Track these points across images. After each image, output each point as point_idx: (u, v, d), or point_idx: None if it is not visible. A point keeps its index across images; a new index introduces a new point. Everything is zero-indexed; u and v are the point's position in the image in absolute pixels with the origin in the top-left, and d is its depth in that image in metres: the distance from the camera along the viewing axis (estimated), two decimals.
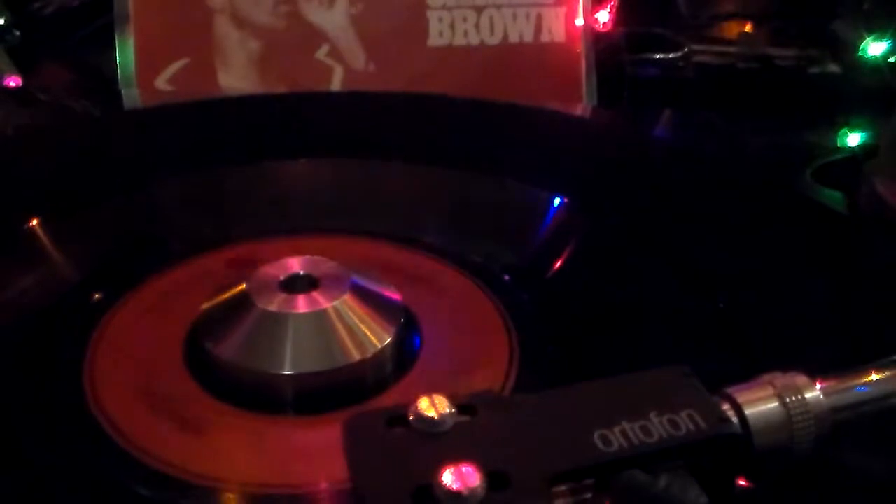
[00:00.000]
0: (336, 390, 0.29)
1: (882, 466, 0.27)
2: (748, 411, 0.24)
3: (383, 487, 0.21)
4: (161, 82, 0.63)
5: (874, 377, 0.26)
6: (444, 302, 0.36)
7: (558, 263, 0.40)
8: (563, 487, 0.22)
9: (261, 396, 0.29)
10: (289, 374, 0.29)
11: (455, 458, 0.21)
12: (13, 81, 0.64)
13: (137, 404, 0.29)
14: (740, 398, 0.24)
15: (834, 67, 0.74)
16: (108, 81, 0.64)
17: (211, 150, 0.47)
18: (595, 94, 0.64)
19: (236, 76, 0.64)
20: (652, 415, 0.22)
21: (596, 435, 0.22)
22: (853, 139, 0.66)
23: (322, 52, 0.64)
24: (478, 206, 0.43)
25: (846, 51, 0.73)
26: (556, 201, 0.43)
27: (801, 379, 0.25)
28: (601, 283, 0.38)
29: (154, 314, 0.34)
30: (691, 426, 0.22)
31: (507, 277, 0.38)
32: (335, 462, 0.26)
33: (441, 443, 0.21)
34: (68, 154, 0.47)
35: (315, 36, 0.64)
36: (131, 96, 0.63)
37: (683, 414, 0.23)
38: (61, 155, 0.46)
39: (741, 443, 0.23)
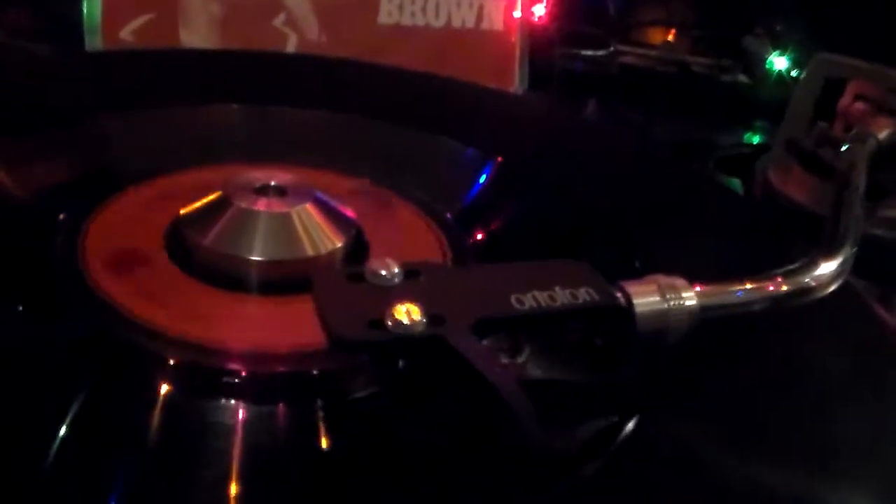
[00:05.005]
0: (294, 279, 0.34)
1: None
2: (636, 301, 0.30)
3: (345, 319, 0.26)
4: (125, 34, 0.67)
5: (740, 288, 0.32)
6: (393, 226, 0.41)
7: (491, 213, 0.45)
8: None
9: (229, 277, 0.35)
10: (255, 260, 0.34)
11: (402, 301, 0.26)
12: None
13: (122, 280, 0.34)
14: (630, 289, 0.30)
15: (743, 77, 0.82)
16: (73, 29, 0.68)
17: (164, 92, 0.51)
18: (527, 79, 0.71)
19: (197, 36, 0.69)
20: (557, 288, 0.28)
21: (513, 297, 0.27)
22: (754, 139, 0.74)
23: (279, 20, 0.70)
24: (418, 159, 0.49)
25: (755, 63, 0.80)
26: (488, 161, 0.49)
27: (681, 282, 0.31)
28: (533, 238, 0.43)
29: (141, 215, 0.39)
30: (587, 298, 0.28)
31: (448, 216, 0.43)
32: (287, 332, 0.32)
33: (391, 291, 0.27)
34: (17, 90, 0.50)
35: (274, 4, 0.69)
36: (94, 44, 0.67)
37: (582, 290, 0.29)
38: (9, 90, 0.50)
39: (627, 321, 0.29)
